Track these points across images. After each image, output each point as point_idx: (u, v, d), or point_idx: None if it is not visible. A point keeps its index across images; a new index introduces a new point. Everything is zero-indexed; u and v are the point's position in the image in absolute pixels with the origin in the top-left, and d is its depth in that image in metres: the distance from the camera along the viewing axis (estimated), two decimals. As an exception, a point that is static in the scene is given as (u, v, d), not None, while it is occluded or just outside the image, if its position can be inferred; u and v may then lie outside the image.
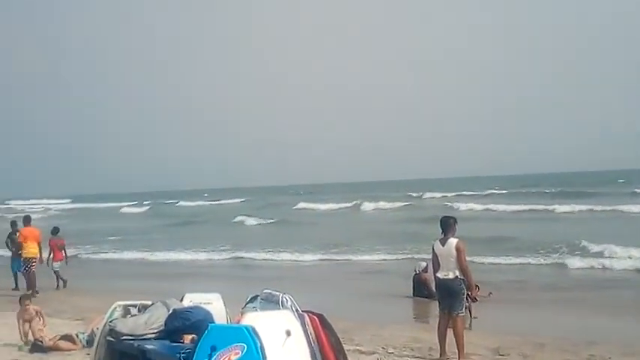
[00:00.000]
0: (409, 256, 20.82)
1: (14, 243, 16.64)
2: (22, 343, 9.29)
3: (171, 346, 5.46)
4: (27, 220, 16.67)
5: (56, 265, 17.13)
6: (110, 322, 6.06)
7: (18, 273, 16.40)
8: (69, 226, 40.58)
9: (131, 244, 30.00)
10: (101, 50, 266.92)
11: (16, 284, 16.54)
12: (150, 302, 6.21)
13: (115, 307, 6.37)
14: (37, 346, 9.00)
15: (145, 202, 78.71)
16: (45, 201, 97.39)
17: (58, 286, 17.12)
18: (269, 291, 5.98)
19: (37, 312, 9.62)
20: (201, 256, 25.27)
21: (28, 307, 9.58)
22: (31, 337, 9.30)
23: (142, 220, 53.13)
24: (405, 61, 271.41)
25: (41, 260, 16.34)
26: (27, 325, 9.41)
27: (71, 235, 30.10)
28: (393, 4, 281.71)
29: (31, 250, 15.77)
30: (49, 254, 17.00)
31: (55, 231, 17.69)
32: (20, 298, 9.90)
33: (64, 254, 17.41)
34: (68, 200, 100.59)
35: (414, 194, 60.00)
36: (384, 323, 11.44)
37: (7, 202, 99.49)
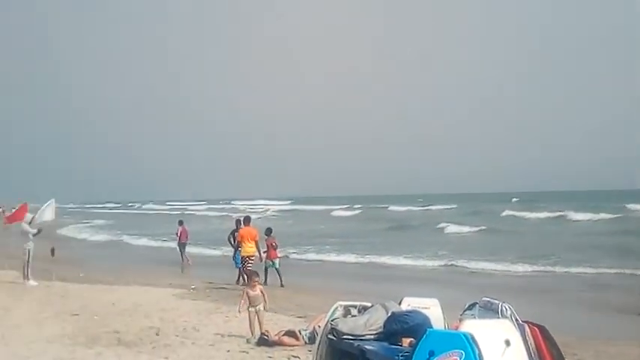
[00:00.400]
0: (628, 271, 19.80)
1: (236, 240, 18.09)
2: (249, 336, 10.01)
3: (389, 348, 5.58)
4: (247, 221, 17.98)
5: (273, 262, 18.34)
6: (332, 321, 6.37)
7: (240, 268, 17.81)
8: (288, 227, 43.31)
9: (345, 247, 31.05)
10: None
11: (239, 278, 18.05)
12: (369, 304, 6.40)
13: (337, 307, 6.68)
14: (263, 340, 9.70)
15: (355, 206, 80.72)
16: (265, 202, 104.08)
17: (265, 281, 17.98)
18: (488, 299, 5.86)
19: (261, 291, 10.16)
20: (414, 261, 25.41)
21: (255, 284, 10.17)
22: (257, 332, 9.99)
23: (352, 224, 54.65)
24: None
25: (260, 259, 17.65)
26: (256, 319, 10.12)
27: (292, 235, 32.24)
28: None
29: (248, 248, 17.03)
30: (266, 252, 18.17)
31: (269, 231, 18.94)
32: (250, 275, 10.45)
33: (276, 253, 18.55)
34: (288, 202, 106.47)
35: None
36: (611, 340, 10.70)
37: (232, 201, 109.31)
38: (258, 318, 10.03)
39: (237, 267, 18.13)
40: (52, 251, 18.48)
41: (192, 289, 17.21)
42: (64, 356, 8.51)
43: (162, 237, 36.47)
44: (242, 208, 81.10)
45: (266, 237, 18.59)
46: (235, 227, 18.75)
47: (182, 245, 24.05)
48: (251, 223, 17.92)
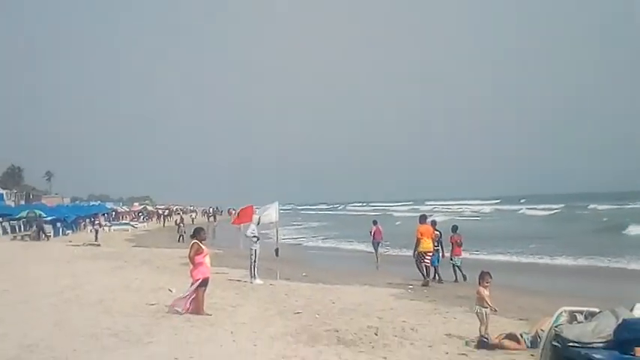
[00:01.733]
0: None
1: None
2: (467, 338, 9.96)
3: (621, 357, 5.27)
4: (423, 219, 19.49)
5: (456, 259, 19.42)
6: (556, 326, 6.15)
7: (437, 266, 19.15)
8: (490, 228, 41.88)
9: (554, 248, 29.74)
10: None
11: (435, 276, 19.03)
12: (597, 310, 6.09)
13: (561, 312, 6.43)
14: (483, 343, 9.56)
15: (554, 206, 77.05)
16: (462, 202, 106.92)
17: (456, 279, 19.24)
18: None
19: (479, 292, 10.03)
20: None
21: (488, 284, 10.03)
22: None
23: (554, 224, 52.27)
24: None
25: (444, 255, 19.31)
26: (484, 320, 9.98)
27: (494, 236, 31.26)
28: None
29: (426, 244, 18.34)
30: (451, 250, 19.56)
31: (455, 229, 20.14)
32: (484, 276, 10.20)
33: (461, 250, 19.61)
34: (486, 201, 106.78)
35: None
36: None
37: (426, 202, 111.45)
38: (484, 320, 9.91)
39: (432, 265, 18.97)
40: (277, 251, 19.80)
41: (410, 289, 17.47)
42: (287, 353, 9.06)
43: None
44: (427, 208, 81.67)
45: (452, 234, 19.81)
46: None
47: (376, 244, 25.58)
48: (427, 221, 19.34)
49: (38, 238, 40.78)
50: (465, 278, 18.82)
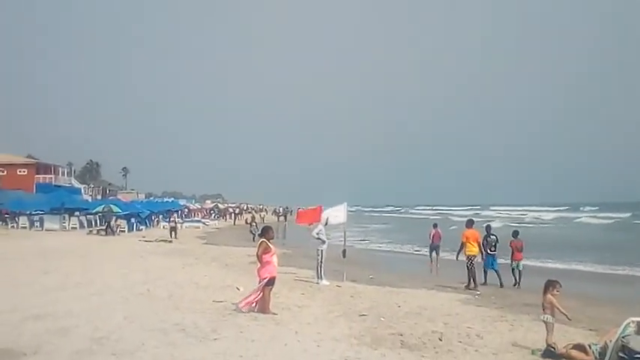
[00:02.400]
0: None
1: (488, 244, 19.96)
2: (534, 347, 9.85)
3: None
4: (469, 223, 20.12)
5: (515, 264, 20.04)
6: (623, 337, 6.07)
7: (494, 270, 19.86)
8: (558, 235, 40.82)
9: (622, 258, 28.80)
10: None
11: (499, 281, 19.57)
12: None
13: (629, 323, 6.33)
14: (549, 352, 9.45)
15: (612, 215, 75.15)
16: (526, 208, 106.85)
17: (515, 283, 19.82)
18: None
19: (547, 300, 9.90)
20: None
21: (552, 293, 9.92)
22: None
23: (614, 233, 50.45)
24: None
25: (482, 258, 19.71)
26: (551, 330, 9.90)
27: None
28: None
29: (472, 249, 18.99)
30: (511, 254, 20.18)
31: (515, 234, 20.94)
32: (554, 284, 10.05)
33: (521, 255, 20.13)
34: (561, 208, 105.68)
35: None
36: None
37: (491, 207, 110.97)
38: (552, 329, 9.76)
39: (491, 269, 19.90)
40: (344, 253, 19.92)
41: (477, 295, 17.40)
42: (350, 355, 9.16)
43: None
44: (491, 213, 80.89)
45: (512, 239, 20.54)
46: (486, 232, 20.48)
47: (435, 247, 25.99)
48: (473, 226, 19.93)
49: (113, 233, 42.32)
50: (518, 284, 19.75)
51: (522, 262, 20.21)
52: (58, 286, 15.22)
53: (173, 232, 42.15)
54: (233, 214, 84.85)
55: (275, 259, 12.56)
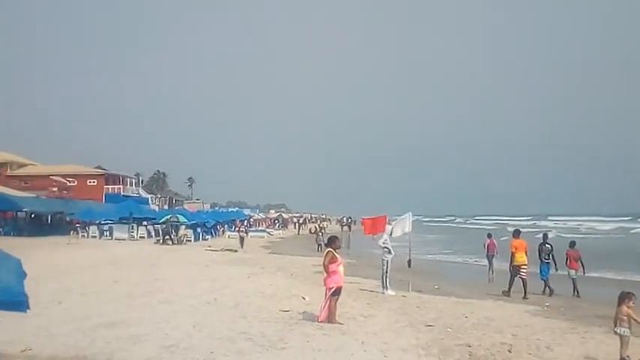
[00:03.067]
0: None
1: (543, 252, 20.61)
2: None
3: None
4: (516, 233, 20.30)
5: (572, 272, 20.37)
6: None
7: (543, 280, 20.34)
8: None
9: None
10: None
11: (545, 289, 20.07)
12: None
13: None
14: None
15: None
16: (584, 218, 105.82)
17: (575, 293, 20.04)
18: None
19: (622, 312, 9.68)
20: None
21: (628, 305, 9.68)
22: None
23: None
24: None
25: (556, 268, 20.34)
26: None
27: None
28: None
29: (519, 258, 19.28)
30: (566, 263, 20.56)
31: (572, 244, 21.32)
32: (629, 297, 9.85)
33: (579, 264, 20.44)
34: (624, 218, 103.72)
35: None
36: None
37: (549, 217, 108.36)
38: (626, 341, 9.55)
39: (541, 279, 20.37)
40: (409, 263, 19.84)
41: (546, 306, 17.09)
42: (418, 366, 9.23)
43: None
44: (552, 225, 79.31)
45: (569, 249, 20.96)
46: (542, 241, 21.24)
47: (490, 257, 26.15)
48: (521, 236, 20.20)
49: (179, 243, 43.23)
50: (577, 294, 20.01)
51: (577, 272, 20.44)
52: (128, 294, 15.71)
53: (242, 242, 42.78)
54: (297, 224, 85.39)
55: (341, 268, 12.64)
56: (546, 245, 20.80)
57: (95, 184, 78.14)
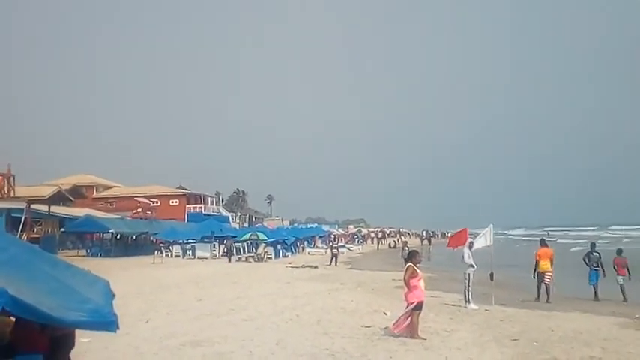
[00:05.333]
0: None
1: (591, 260, 22.20)
2: None
3: None
4: (542, 242, 22.30)
5: (619, 278, 21.71)
6: None
7: (592, 285, 21.90)
8: None
9: None
10: None
11: (625, 297, 21.30)
12: None
13: None
14: None
15: None
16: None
17: (624, 298, 21.19)
18: None
19: None
20: None
21: None
22: None
23: None
24: None
25: (604, 274, 21.97)
26: None
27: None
28: None
29: (543, 265, 21.00)
30: (614, 269, 21.99)
31: (619, 251, 23.08)
32: None
33: (626, 271, 21.80)
34: None
35: None
36: None
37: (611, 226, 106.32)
38: None
39: (590, 284, 21.93)
40: (491, 275, 19.59)
41: (636, 318, 16.58)
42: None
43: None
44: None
45: (615, 256, 22.49)
46: (590, 249, 22.93)
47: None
48: (547, 245, 22.24)
49: (260, 260, 43.85)
50: (625, 299, 21.13)
51: (623, 277, 21.76)
52: (212, 312, 16.14)
53: (334, 259, 41.16)
54: (376, 239, 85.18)
55: (422, 283, 12.69)
56: (594, 253, 22.39)
57: (177, 204, 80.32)
